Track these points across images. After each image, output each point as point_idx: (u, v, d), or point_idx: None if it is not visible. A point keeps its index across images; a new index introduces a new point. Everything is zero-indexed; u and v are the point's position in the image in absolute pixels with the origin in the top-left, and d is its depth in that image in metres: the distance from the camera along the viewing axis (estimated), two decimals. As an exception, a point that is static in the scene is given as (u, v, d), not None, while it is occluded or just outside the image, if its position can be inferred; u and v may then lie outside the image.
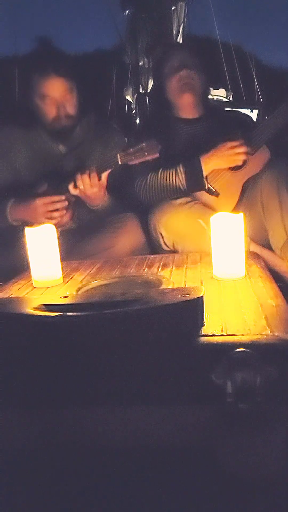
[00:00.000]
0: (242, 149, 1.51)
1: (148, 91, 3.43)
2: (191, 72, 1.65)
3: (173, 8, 2.66)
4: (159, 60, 1.83)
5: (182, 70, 1.64)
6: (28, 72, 1.57)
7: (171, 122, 1.71)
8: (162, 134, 1.53)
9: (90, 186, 1.46)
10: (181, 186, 1.55)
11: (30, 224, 1.24)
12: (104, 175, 1.47)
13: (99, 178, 1.45)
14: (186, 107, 1.70)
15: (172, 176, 1.56)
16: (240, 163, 1.55)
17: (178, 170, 1.55)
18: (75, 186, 1.46)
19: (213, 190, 1.56)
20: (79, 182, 1.45)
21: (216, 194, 1.56)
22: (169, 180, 1.56)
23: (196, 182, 1.55)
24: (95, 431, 0.73)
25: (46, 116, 1.56)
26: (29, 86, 1.55)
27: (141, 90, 3.58)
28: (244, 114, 1.96)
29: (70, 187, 1.46)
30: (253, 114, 3.38)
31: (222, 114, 1.86)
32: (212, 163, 1.54)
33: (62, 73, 1.52)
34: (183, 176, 1.55)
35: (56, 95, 1.53)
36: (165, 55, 1.78)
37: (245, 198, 1.57)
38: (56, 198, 1.48)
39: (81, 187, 1.46)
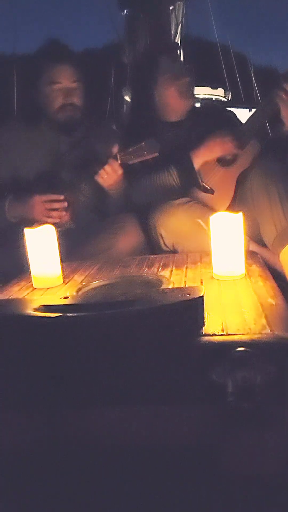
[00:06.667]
0: (231, 138, 1.53)
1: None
2: (188, 79, 1.66)
3: (171, 8, 2.65)
4: (147, 68, 1.83)
5: (180, 79, 1.65)
6: (38, 60, 1.61)
7: (156, 127, 1.72)
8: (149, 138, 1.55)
9: (112, 174, 1.51)
10: (175, 185, 1.56)
11: (28, 221, 1.24)
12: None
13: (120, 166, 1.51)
14: (178, 111, 1.71)
15: (165, 177, 1.58)
16: (229, 152, 1.56)
17: (171, 170, 1.57)
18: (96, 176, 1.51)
19: (208, 188, 1.57)
20: (102, 172, 1.50)
21: (211, 191, 1.57)
22: (163, 181, 1.58)
23: (189, 178, 1.56)
24: (95, 431, 0.73)
25: (52, 105, 1.57)
26: (38, 74, 1.57)
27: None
28: (229, 111, 1.96)
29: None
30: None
31: (207, 112, 1.87)
32: (203, 155, 1.55)
33: (72, 62, 1.56)
34: (175, 174, 1.56)
35: (65, 83, 1.55)
36: (155, 64, 1.78)
37: (238, 194, 1.57)
38: (54, 196, 1.48)
39: (105, 176, 1.50)
